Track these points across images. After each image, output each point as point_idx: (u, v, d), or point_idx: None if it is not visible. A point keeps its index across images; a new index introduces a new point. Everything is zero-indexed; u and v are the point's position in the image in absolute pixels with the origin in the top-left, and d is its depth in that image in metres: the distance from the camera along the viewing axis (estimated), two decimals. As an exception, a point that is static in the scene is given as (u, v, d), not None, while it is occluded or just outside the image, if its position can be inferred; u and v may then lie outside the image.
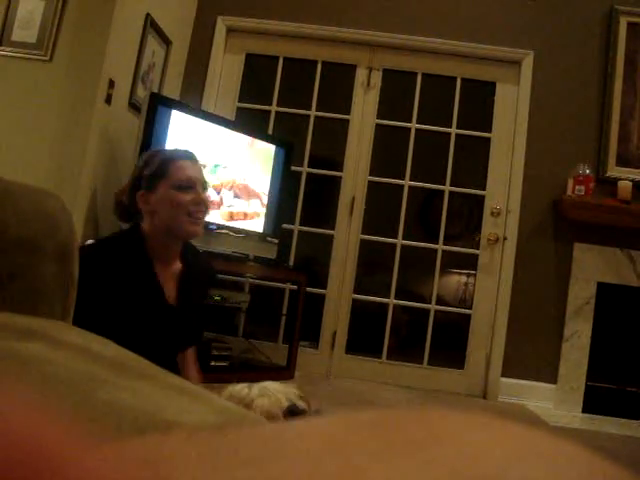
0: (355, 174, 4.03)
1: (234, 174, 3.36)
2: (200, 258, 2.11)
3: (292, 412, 1.46)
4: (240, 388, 1.45)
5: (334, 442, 0.20)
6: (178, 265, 1.92)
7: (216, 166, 3.29)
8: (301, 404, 1.48)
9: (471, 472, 0.17)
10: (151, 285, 1.82)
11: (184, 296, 1.90)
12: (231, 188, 3.36)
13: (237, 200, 3.39)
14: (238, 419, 0.64)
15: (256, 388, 1.45)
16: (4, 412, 0.19)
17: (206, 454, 0.21)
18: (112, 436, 0.55)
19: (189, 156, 1.91)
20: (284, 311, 3.98)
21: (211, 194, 3.23)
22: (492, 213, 3.93)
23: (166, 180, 1.83)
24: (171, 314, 1.85)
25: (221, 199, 3.32)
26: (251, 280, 3.91)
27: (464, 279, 4.14)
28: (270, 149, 3.53)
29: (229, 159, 3.35)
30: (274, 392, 1.45)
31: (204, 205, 1.87)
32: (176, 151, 1.94)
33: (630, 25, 3.88)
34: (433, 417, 0.21)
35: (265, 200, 3.50)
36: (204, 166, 3.21)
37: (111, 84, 3.12)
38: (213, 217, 3.26)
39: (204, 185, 1.90)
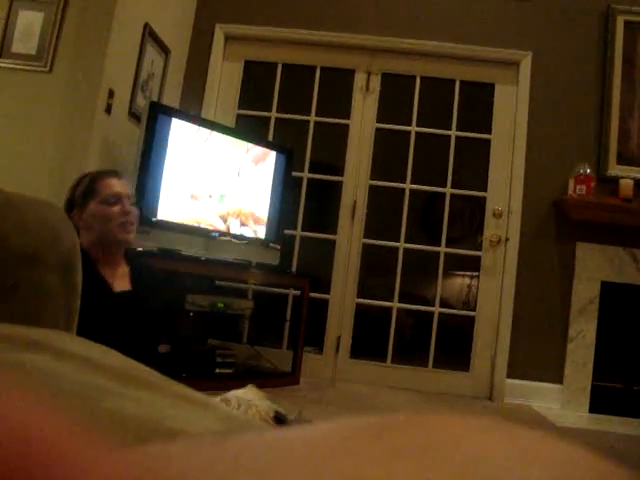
0: (356, 178, 4.04)
1: (239, 200, 3.37)
2: (142, 260, 2.39)
3: (279, 419, 1.46)
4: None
5: (336, 448, 0.20)
6: (125, 268, 2.14)
7: (222, 196, 3.31)
8: (283, 410, 1.49)
9: (472, 476, 0.17)
10: (96, 282, 1.97)
11: (138, 287, 2.11)
12: (237, 217, 3.37)
13: (244, 228, 3.40)
14: (241, 426, 0.64)
15: (236, 401, 1.45)
16: (8, 421, 0.19)
17: (209, 462, 0.21)
18: (116, 445, 0.55)
19: (115, 173, 2.17)
20: (288, 317, 3.97)
21: (217, 222, 3.26)
22: (494, 214, 3.93)
23: (95, 197, 2.07)
24: (122, 301, 2.02)
25: (228, 228, 3.33)
26: (254, 287, 3.91)
27: (467, 281, 4.14)
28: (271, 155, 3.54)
29: (230, 171, 3.35)
30: (258, 401, 1.45)
31: (132, 216, 2.10)
32: (102, 171, 2.22)
33: (627, 24, 3.88)
34: (435, 421, 0.21)
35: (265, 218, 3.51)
36: (210, 197, 3.23)
37: (111, 94, 3.13)
38: (216, 223, 3.26)
39: (130, 198, 2.13)
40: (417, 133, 4.06)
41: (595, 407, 3.67)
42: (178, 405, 0.65)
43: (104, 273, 2.04)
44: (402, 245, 3.98)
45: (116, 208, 2.06)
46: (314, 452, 0.19)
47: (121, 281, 2.08)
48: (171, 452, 0.24)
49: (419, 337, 4.05)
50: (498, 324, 3.84)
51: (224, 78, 4.17)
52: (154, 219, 3.02)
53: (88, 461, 0.20)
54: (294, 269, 3.99)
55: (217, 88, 4.14)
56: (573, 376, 3.71)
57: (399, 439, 0.19)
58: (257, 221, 3.47)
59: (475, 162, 4.16)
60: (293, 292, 3.96)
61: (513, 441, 0.19)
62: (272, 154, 3.54)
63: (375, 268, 4.18)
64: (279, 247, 3.59)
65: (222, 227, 3.31)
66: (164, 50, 3.75)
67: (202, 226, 3.21)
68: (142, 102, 3.44)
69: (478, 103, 4.13)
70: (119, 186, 2.11)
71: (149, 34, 3.48)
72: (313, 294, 3.75)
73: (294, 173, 3.76)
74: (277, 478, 0.18)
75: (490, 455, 0.18)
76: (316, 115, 4.12)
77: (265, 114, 4.15)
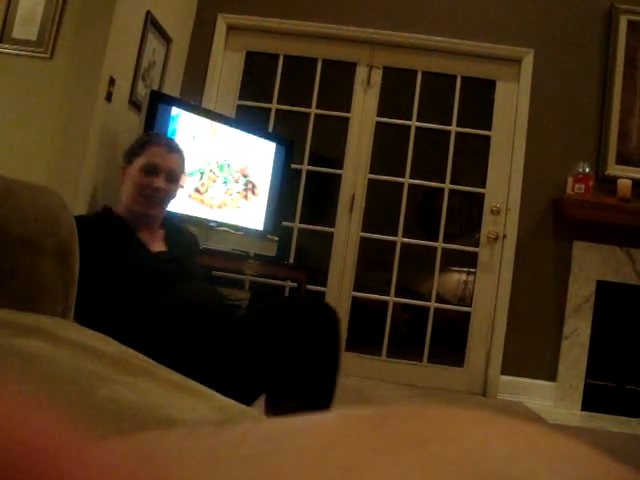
0: (355, 172, 4.03)
1: (238, 190, 3.36)
2: (182, 226, 2.31)
3: None
4: None
5: (335, 438, 0.20)
6: (160, 230, 2.08)
7: (221, 186, 3.30)
8: None
9: (473, 468, 0.17)
10: (132, 242, 1.92)
11: (174, 249, 2.03)
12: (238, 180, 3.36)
13: (241, 217, 3.39)
14: (238, 416, 0.64)
15: None
16: (2, 408, 0.19)
17: (206, 450, 0.21)
18: (112, 432, 0.55)
19: (167, 144, 2.06)
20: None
21: (215, 212, 3.23)
22: (492, 211, 3.93)
23: (138, 159, 2.01)
24: (161, 259, 1.94)
25: (225, 218, 3.32)
26: (251, 278, 3.91)
27: (464, 277, 4.14)
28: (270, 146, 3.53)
29: (230, 157, 3.35)
30: None
31: (161, 192, 1.99)
32: (157, 136, 2.13)
33: (630, 23, 3.87)
34: (435, 414, 0.21)
35: (263, 199, 3.50)
36: (208, 186, 3.21)
37: (111, 82, 3.12)
38: (214, 214, 3.26)
39: (172, 175, 2.02)
40: (417, 128, 4.06)
41: (588, 405, 3.68)
42: (174, 393, 0.65)
43: (140, 233, 1.98)
44: (400, 239, 3.98)
45: (149, 179, 1.97)
46: (314, 442, 0.19)
47: (157, 242, 2.02)
48: (168, 440, 0.24)
49: (414, 332, 4.06)
50: (493, 320, 3.85)
51: (225, 68, 4.15)
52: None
53: (83, 450, 0.20)
54: (291, 261, 3.99)
55: (218, 78, 4.13)
56: (567, 374, 3.73)
57: (400, 430, 0.19)
58: (255, 194, 3.47)
59: (474, 158, 4.15)
60: (290, 284, 3.96)
61: (514, 434, 0.19)
62: (272, 145, 3.53)
63: (372, 262, 4.19)
64: (277, 239, 3.59)
65: (220, 217, 3.30)
66: (166, 39, 3.73)
67: (200, 216, 3.21)
68: (143, 91, 3.43)
69: (479, 99, 4.13)
70: (162, 158, 2.01)
71: (151, 22, 3.47)
72: (310, 286, 3.75)
73: (293, 165, 3.75)
74: (276, 467, 0.18)
75: (491, 448, 0.18)
76: (317, 107, 4.11)
77: (266, 105, 4.14)
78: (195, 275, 2.02)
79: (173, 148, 2.06)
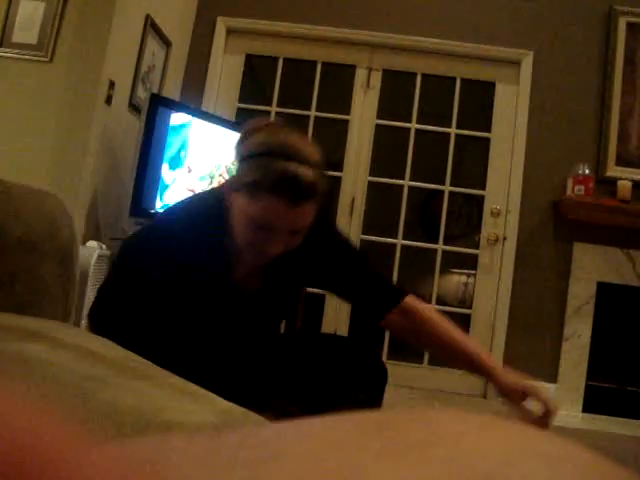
0: (355, 174, 4.03)
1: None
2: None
3: None
4: None
5: (335, 442, 0.20)
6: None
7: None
8: None
9: (472, 472, 0.17)
10: (218, 263, 1.49)
11: (268, 280, 1.56)
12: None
13: None
14: (240, 419, 0.64)
15: None
16: (3, 412, 0.19)
17: (206, 455, 0.21)
18: (113, 436, 0.55)
19: (291, 197, 1.32)
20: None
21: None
22: (492, 213, 3.94)
23: (250, 203, 1.36)
24: (240, 298, 1.53)
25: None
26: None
27: (464, 279, 4.14)
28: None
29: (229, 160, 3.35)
30: None
31: (275, 251, 1.40)
32: (280, 182, 1.31)
33: (629, 25, 3.88)
34: (434, 417, 0.21)
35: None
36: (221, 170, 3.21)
37: (111, 85, 3.12)
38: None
39: (295, 231, 1.39)
40: (417, 130, 4.06)
41: (589, 407, 3.68)
42: (175, 397, 0.65)
43: (240, 265, 1.50)
44: (400, 242, 3.98)
45: (261, 236, 1.37)
46: (313, 446, 0.20)
47: (253, 276, 1.54)
48: (168, 445, 0.24)
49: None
50: (494, 322, 3.85)
51: (225, 71, 4.16)
52: (152, 210, 3.02)
53: (84, 454, 0.20)
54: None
55: (218, 81, 4.14)
56: (567, 375, 3.72)
57: (400, 434, 0.19)
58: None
59: (474, 160, 4.16)
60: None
61: (513, 437, 0.20)
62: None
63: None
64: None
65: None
66: (165, 42, 3.74)
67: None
68: (142, 94, 3.43)
69: (478, 101, 4.13)
70: (280, 216, 1.34)
71: (150, 26, 3.47)
72: (310, 288, 3.75)
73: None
74: (275, 472, 0.18)
75: (490, 451, 0.18)
76: (316, 110, 4.12)
77: (265, 108, 4.14)
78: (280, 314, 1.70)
79: (301, 198, 1.33)
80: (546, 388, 1.39)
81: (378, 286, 1.66)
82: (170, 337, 1.48)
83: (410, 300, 1.64)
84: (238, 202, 1.39)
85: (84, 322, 2.69)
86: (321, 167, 1.36)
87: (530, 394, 1.48)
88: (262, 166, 1.33)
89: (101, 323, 1.45)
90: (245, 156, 1.39)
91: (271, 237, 1.37)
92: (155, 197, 3.04)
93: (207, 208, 1.50)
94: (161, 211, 1.57)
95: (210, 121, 3.30)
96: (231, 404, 0.68)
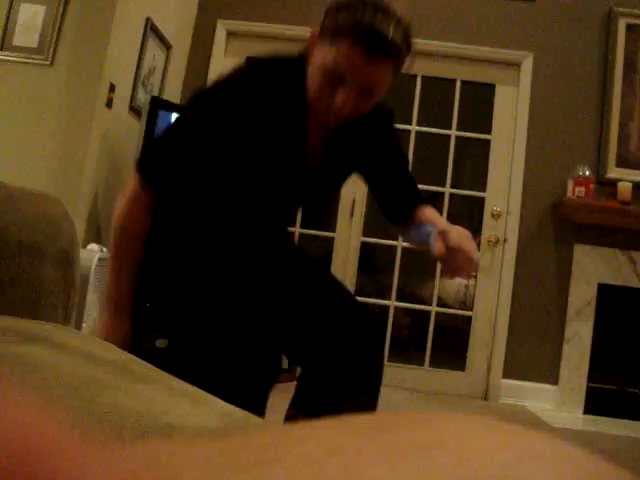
0: (355, 176, 4.03)
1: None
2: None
3: None
4: None
5: (335, 446, 0.20)
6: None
7: None
8: None
9: (474, 475, 0.17)
10: (294, 136, 1.44)
11: (330, 155, 1.52)
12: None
13: None
14: (240, 423, 0.64)
15: None
16: (4, 415, 0.19)
17: (207, 459, 0.21)
18: (114, 440, 0.55)
19: (373, 46, 1.25)
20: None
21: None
22: (492, 215, 3.94)
23: (328, 50, 1.31)
24: (304, 171, 1.49)
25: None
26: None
27: (465, 281, 4.14)
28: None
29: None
30: None
31: (345, 109, 1.33)
32: (364, 30, 1.25)
33: (629, 26, 3.88)
34: (434, 421, 0.21)
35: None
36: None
37: (112, 88, 3.13)
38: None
39: (368, 91, 1.33)
40: (417, 132, 4.06)
41: (590, 408, 3.68)
42: (176, 400, 0.65)
43: (309, 122, 1.43)
44: (400, 244, 3.98)
45: (329, 89, 1.31)
46: (313, 450, 0.20)
47: (317, 134, 1.47)
48: (169, 448, 0.24)
49: (416, 336, 4.05)
50: (495, 324, 3.85)
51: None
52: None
53: (84, 457, 0.20)
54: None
55: (218, 84, 4.13)
56: (569, 377, 3.72)
57: (400, 438, 0.19)
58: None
59: (474, 162, 4.16)
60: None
61: (515, 440, 0.19)
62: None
63: (373, 266, 4.18)
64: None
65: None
66: (165, 45, 3.74)
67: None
68: (143, 97, 3.43)
69: (478, 103, 4.13)
70: (356, 67, 1.27)
71: (151, 29, 3.48)
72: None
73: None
74: (277, 475, 0.18)
75: (492, 454, 0.18)
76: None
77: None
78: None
79: (379, 52, 1.26)
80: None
81: (410, 189, 1.70)
82: (221, 200, 1.45)
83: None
84: (318, 53, 1.34)
85: (85, 325, 2.69)
86: (408, 34, 1.31)
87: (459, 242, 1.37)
88: (349, 14, 1.28)
89: (152, 175, 1.39)
90: (335, 6, 1.35)
91: (343, 89, 1.30)
92: (156, 200, 3.04)
93: (288, 68, 1.44)
94: (238, 68, 1.48)
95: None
96: (231, 406, 0.68)
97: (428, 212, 1.59)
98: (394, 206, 1.67)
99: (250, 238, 1.50)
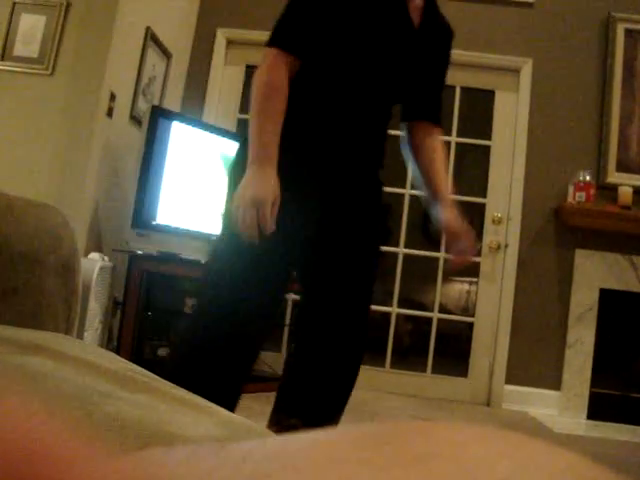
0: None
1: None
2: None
3: None
4: None
5: (337, 456, 0.20)
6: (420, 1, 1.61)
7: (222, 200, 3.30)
8: None
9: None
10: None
11: (427, 29, 1.64)
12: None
13: None
14: (242, 432, 0.64)
15: None
16: (8, 424, 0.19)
17: (210, 470, 0.21)
18: (116, 450, 0.55)
19: None
20: (287, 321, 3.97)
21: (217, 226, 3.22)
22: (493, 221, 3.94)
23: None
24: (409, 30, 1.59)
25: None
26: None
27: (466, 287, 4.14)
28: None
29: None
30: None
31: None
32: None
33: (627, 31, 3.89)
34: (434, 430, 0.21)
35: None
36: (210, 200, 3.21)
37: (112, 97, 3.14)
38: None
39: None
40: (417, 139, 4.06)
41: (593, 414, 3.66)
42: (178, 409, 0.65)
43: None
44: (401, 250, 3.98)
45: None
46: (315, 460, 0.20)
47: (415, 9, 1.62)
48: (171, 459, 0.24)
49: (418, 342, 4.05)
50: (497, 330, 3.84)
51: (225, 82, 4.17)
52: (154, 222, 3.03)
53: (87, 467, 0.20)
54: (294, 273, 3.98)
55: (218, 92, 4.15)
56: (571, 383, 3.71)
57: (401, 448, 0.20)
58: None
59: (475, 168, 4.16)
60: (292, 296, 3.95)
61: (515, 450, 0.19)
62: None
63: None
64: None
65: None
66: (166, 54, 3.76)
67: (202, 229, 3.21)
68: (143, 106, 3.44)
69: (478, 109, 4.14)
70: None
71: (151, 38, 3.49)
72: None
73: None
74: (278, 486, 0.19)
75: (493, 464, 0.18)
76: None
77: (266, 118, 4.14)
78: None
79: None
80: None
81: (437, 98, 1.97)
82: (337, 67, 1.54)
83: (436, 132, 1.94)
84: None
85: (87, 334, 2.69)
86: None
87: (462, 235, 1.62)
88: None
89: (284, 40, 1.57)
90: None
91: None
92: (157, 209, 3.04)
93: None
94: None
95: (211, 132, 3.31)
96: (233, 415, 0.68)
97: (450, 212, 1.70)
98: (418, 106, 1.89)
99: (356, 127, 1.60)
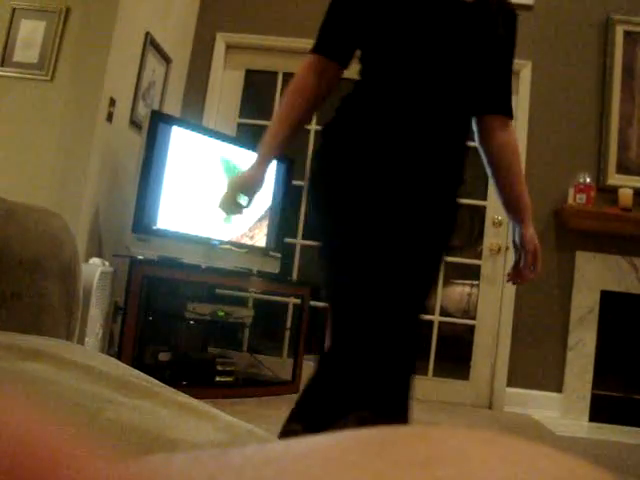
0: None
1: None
2: None
3: None
4: None
5: (337, 461, 0.20)
6: None
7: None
8: None
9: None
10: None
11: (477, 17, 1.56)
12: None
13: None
14: (244, 436, 0.64)
15: None
16: (10, 430, 0.19)
17: (211, 475, 0.21)
18: (117, 455, 0.55)
19: None
20: (288, 325, 3.97)
21: (217, 231, 3.22)
22: (493, 223, 3.94)
23: None
24: (463, 12, 1.51)
25: (228, 236, 3.33)
26: (255, 295, 3.90)
27: (467, 290, 4.13)
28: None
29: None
30: None
31: None
32: None
33: (626, 33, 3.89)
34: (435, 435, 0.21)
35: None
36: (210, 205, 3.21)
37: (112, 102, 3.14)
38: (217, 234, 3.27)
39: None
40: (417, 142, 4.06)
41: (595, 416, 3.66)
42: (179, 415, 0.65)
43: None
44: (402, 253, 3.97)
45: None
46: (316, 466, 0.20)
47: None
48: (173, 465, 0.24)
49: (419, 345, 4.04)
50: (498, 333, 3.84)
51: (225, 87, 4.18)
52: (154, 227, 3.03)
53: (89, 473, 0.20)
54: (294, 277, 3.98)
55: (218, 97, 4.15)
56: (573, 385, 3.71)
57: (402, 453, 0.19)
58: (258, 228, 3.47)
59: (475, 171, 4.15)
60: (293, 300, 3.95)
61: (516, 455, 0.19)
62: (272, 163, 3.54)
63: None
64: (280, 255, 3.59)
65: (222, 235, 3.31)
66: (165, 59, 3.76)
67: (202, 234, 3.22)
68: (143, 111, 3.45)
69: (478, 112, 4.13)
70: None
71: (150, 43, 3.50)
72: (313, 302, 3.75)
73: (294, 182, 3.76)
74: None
75: (494, 469, 0.18)
76: (316, 124, 4.13)
77: (266, 123, 4.14)
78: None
79: None
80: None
81: (507, 86, 1.88)
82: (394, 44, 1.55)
83: (510, 125, 1.89)
84: None
85: (88, 340, 2.69)
86: None
87: (535, 251, 1.69)
88: None
89: (319, 43, 1.56)
90: None
91: None
92: (157, 213, 3.05)
93: None
94: None
95: (211, 136, 3.31)
96: (234, 419, 0.68)
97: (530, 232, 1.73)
98: (486, 94, 1.77)
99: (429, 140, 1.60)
